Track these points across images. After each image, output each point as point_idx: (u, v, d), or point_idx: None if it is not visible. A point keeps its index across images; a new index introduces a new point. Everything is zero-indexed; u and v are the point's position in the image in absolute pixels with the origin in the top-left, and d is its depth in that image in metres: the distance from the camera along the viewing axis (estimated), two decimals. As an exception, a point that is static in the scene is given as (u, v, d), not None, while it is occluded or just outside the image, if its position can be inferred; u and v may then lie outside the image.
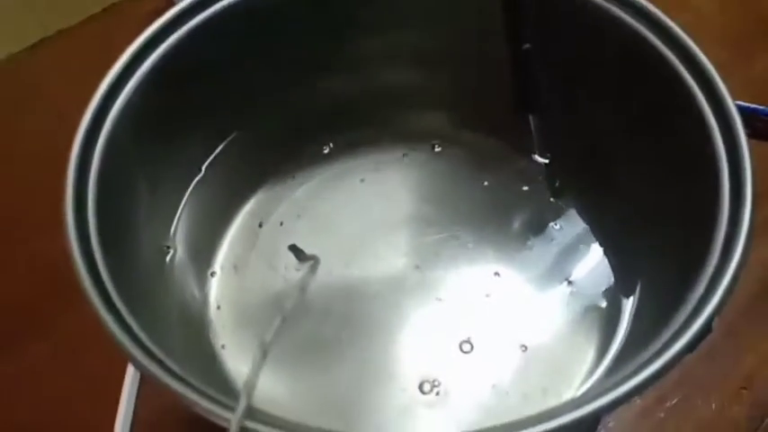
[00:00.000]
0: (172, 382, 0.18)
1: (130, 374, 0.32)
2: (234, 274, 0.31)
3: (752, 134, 0.40)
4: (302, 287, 0.26)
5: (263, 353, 0.19)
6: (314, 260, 0.29)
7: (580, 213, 0.31)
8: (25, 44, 0.48)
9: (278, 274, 0.30)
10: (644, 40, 0.26)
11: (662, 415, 0.34)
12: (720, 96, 0.23)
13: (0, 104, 0.46)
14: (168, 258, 0.29)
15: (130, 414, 0.31)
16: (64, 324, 0.36)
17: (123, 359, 0.32)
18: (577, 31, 0.28)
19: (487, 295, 0.29)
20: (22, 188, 0.43)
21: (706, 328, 0.19)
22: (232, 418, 0.17)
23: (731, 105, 0.24)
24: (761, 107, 0.41)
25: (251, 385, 0.18)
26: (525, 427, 0.17)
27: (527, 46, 0.28)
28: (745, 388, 0.35)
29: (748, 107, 0.40)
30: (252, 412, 0.18)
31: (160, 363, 0.19)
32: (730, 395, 0.35)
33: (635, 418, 0.34)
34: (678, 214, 0.24)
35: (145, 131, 0.27)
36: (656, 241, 0.26)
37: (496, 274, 0.30)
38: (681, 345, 0.19)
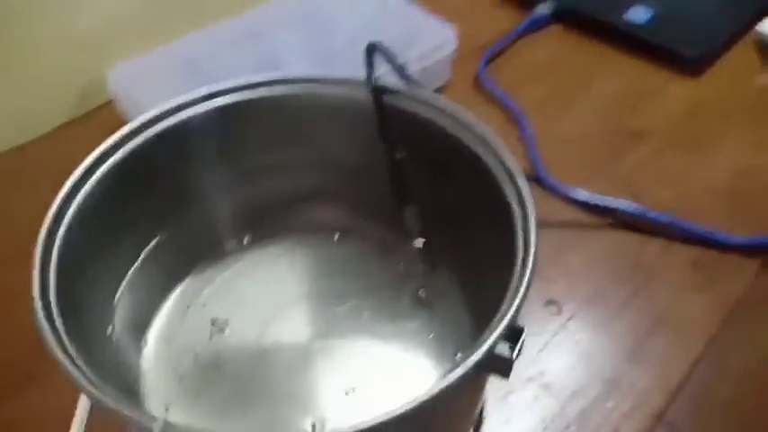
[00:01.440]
0: (114, 404, 0.24)
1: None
2: (164, 344, 0.37)
3: (614, 224, 0.50)
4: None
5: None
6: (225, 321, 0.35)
7: (446, 277, 0.38)
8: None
9: (201, 345, 0.36)
10: (471, 150, 0.34)
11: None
12: (520, 189, 0.31)
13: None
14: (108, 332, 0.35)
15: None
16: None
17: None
18: (430, 144, 0.36)
19: (371, 352, 0.36)
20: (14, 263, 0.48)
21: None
22: (155, 425, 0.23)
23: (527, 196, 0.31)
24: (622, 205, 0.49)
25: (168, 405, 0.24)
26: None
27: (399, 156, 0.37)
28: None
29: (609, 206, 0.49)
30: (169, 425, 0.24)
31: (106, 393, 0.25)
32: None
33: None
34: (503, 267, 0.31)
35: (93, 229, 0.33)
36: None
37: (378, 337, 0.36)
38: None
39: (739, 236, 0.49)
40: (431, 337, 0.36)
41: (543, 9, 0.67)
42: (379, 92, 0.36)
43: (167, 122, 0.36)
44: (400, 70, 0.36)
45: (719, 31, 0.65)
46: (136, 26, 0.59)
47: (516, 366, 0.27)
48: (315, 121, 0.38)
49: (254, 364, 0.36)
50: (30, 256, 0.32)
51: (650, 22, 0.65)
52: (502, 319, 0.26)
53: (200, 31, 0.59)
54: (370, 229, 0.40)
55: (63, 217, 0.32)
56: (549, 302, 0.45)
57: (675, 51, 0.63)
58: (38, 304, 0.28)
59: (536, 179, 0.50)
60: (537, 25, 0.66)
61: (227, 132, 0.38)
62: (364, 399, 0.34)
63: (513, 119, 0.57)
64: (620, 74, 0.64)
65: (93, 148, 0.35)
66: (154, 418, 0.23)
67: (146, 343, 0.37)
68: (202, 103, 0.36)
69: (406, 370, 0.35)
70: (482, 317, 0.35)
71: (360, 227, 0.41)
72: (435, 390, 0.24)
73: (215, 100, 0.37)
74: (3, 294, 0.42)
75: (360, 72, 0.36)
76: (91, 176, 0.34)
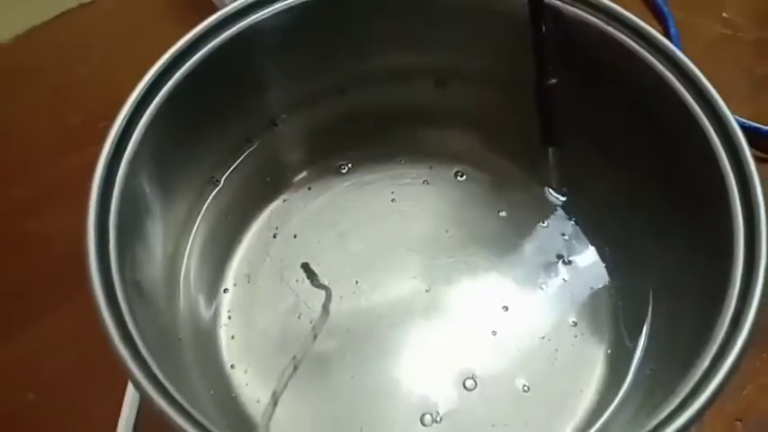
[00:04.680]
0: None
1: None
2: (246, 285, 0.31)
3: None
4: (314, 334, 0.26)
5: (274, 402, 0.19)
6: (326, 292, 0.28)
7: (594, 251, 0.31)
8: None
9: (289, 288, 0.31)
10: (667, 85, 0.26)
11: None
12: (737, 144, 0.24)
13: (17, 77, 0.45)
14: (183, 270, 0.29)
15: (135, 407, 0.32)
16: (61, 311, 0.36)
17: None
18: (602, 73, 0.28)
19: (494, 332, 0.29)
20: (18, 172, 0.42)
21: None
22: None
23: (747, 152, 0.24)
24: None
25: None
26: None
27: (552, 81, 0.28)
28: (739, 420, 0.35)
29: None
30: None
31: (175, 403, 0.19)
32: (725, 426, 0.35)
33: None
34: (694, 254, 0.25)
35: (166, 141, 0.27)
36: (667, 283, 0.27)
37: (505, 308, 0.30)
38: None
39: None
40: (572, 324, 0.29)
41: None
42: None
43: (254, 16, 0.28)
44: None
45: None
46: None
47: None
48: (444, 19, 0.30)
49: (352, 322, 0.29)
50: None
51: None
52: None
53: None
54: (502, 168, 0.32)
55: (132, 131, 0.26)
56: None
57: None
58: (91, 248, 0.22)
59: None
60: None
61: (330, 26, 0.30)
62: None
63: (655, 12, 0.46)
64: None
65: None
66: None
67: (226, 289, 0.31)
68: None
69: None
70: (635, 307, 0.29)
71: (488, 163, 0.32)
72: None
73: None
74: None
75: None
76: (167, 78, 0.27)
